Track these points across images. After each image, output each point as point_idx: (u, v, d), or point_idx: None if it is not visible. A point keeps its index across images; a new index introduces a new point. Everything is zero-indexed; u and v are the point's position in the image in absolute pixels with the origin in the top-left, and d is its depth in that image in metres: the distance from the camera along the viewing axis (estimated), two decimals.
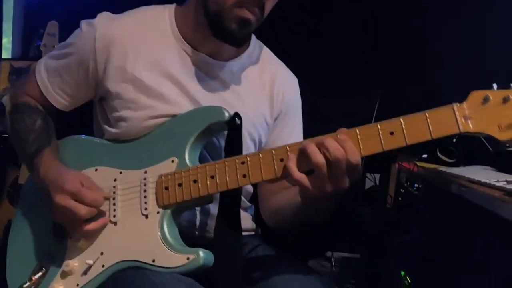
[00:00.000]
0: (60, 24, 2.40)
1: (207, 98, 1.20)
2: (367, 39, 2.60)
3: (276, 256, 1.24)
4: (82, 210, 1.07)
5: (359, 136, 0.96)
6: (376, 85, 2.31)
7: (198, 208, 1.19)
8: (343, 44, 2.62)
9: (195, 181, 1.07)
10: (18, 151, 1.24)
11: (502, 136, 0.88)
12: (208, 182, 1.06)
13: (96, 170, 1.18)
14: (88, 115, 1.34)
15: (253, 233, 1.32)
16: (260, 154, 1.03)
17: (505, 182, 1.33)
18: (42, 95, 1.25)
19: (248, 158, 1.04)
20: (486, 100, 0.91)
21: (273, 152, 1.02)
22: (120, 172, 1.15)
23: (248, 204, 1.33)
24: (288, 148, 1.01)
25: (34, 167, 1.17)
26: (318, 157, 0.93)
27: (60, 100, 1.25)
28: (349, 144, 0.93)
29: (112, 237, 1.11)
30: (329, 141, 0.93)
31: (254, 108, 1.26)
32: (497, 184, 1.29)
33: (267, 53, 1.34)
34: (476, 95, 0.92)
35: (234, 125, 1.12)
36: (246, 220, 1.30)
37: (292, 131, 1.33)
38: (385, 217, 2.10)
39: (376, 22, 2.63)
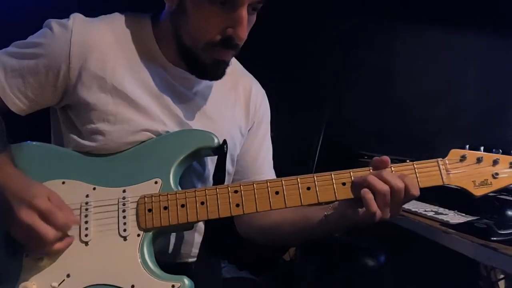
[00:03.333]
0: None
1: (189, 113, 1.18)
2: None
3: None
4: (50, 233, 0.96)
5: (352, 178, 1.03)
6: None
7: (173, 234, 1.16)
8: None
9: (182, 205, 1.04)
10: None
11: (476, 192, 1.02)
12: (197, 209, 1.04)
13: (63, 183, 1.08)
14: (39, 119, 1.22)
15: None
16: (254, 185, 1.05)
17: (434, 213, 1.53)
18: None
19: (241, 187, 1.05)
20: (463, 158, 1.04)
21: (268, 184, 1.05)
22: (94, 188, 1.07)
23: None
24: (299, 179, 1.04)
25: None
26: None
27: (18, 103, 1.12)
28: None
29: (81, 258, 1.02)
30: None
31: (231, 121, 1.26)
32: (429, 214, 1.49)
33: (237, 65, 1.34)
34: (455, 153, 1.05)
35: (221, 151, 1.12)
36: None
37: (263, 141, 1.35)
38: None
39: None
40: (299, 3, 2.63)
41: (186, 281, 1.01)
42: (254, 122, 1.34)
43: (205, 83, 1.22)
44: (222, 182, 1.14)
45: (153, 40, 1.16)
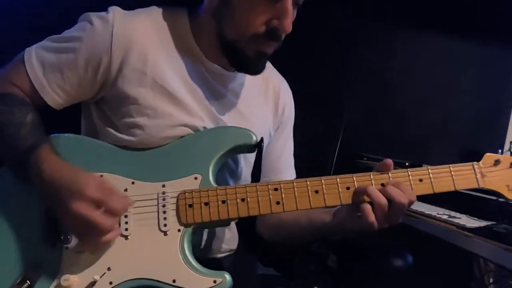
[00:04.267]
0: None
1: (222, 110, 1.20)
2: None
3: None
4: (107, 222, 0.96)
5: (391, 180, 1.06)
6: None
7: (205, 230, 1.17)
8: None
9: (223, 201, 1.05)
10: (2, 147, 1.06)
11: (510, 195, 1.06)
12: (238, 205, 1.05)
13: (101, 176, 1.07)
14: (66, 112, 1.21)
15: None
16: (294, 183, 1.06)
17: (447, 216, 1.57)
18: (34, 91, 1.10)
19: (281, 185, 1.06)
20: (497, 162, 1.07)
21: (308, 183, 1.06)
22: (133, 182, 1.07)
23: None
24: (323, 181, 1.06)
25: (29, 165, 1.01)
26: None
27: (56, 98, 1.11)
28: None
29: (122, 252, 1.03)
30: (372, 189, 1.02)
31: (261, 120, 1.27)
32: (443, 217, 1.52)
33: (268, 64, 1.33)
34: (489, 157, 1.08)
35: (258, 148, 1.13)
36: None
37: (285, 142, 1.37)
38: None
39: None
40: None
41: (227, 276, 1.02)
42: (280, 122, 1.35)
43: (238, 80, 1.23)
44: (259, 179, 1.15)
45: (190, 35, 1.16)
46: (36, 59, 1.10)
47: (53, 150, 1.03)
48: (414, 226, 1.60)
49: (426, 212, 1.62)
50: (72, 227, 1.00)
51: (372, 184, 1.04)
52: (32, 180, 1.02)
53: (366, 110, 2.76)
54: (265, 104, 1.31)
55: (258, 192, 1.06)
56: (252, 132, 1.12)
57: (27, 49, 1.12)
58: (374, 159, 2.25)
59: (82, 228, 0.97)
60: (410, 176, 1.06)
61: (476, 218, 1.62)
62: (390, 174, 1.06)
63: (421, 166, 2.15)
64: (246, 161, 1.23)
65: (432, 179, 1.05)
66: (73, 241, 1.03)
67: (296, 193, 1.05)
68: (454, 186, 1.05)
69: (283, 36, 1.11)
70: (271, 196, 1.05)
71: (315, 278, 1.47)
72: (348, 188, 1.05)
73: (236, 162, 1.22)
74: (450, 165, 1.06)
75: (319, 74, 2.69)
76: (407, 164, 2.17)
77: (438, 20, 2.66)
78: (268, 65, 1.33)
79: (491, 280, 2.35)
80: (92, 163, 1.08)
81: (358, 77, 2.75)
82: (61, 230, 1.04)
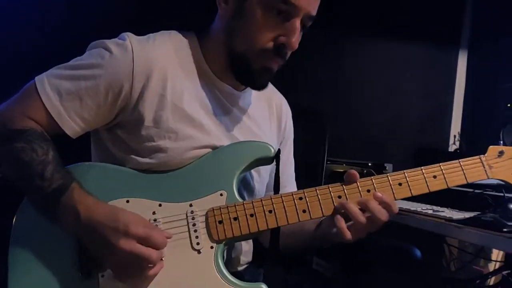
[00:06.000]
0: None
1: (235, 128, 1.23)
2: None
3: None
4: (154, 255, 0.98)
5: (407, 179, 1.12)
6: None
7: None
8: None
9: (251, 215, 1.09)
10: (26, 185, 1.05)
11: None
12: (266, 217, 1.09)
13: (127, 201, 1.09)
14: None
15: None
16: (317, 191, 1.11)
17: (432, 211, 1.64)
18: (51, 121, 1.08)
19: (305, 194, 1.10)
20: (501, 153, 1.15)
21: (330, 189, 1.11)
22: (160, 205, 1.09)
23: None
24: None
25: (59, 206, 1.01)
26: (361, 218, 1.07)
27: (74, 126, 1.10)
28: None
29: (159, 275, 1.04)
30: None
31: (269, 136, 1.32)
32: (428, 211, 1.59)
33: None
34: (493, 149, 1.16)
35: (277, 160, 1.17)
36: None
37: (288, 156, 1.43)
38: None
39: None
40: None
41: (264, 286, 1.05)
42: (283, 137, 1.41)
43: (246, 100, 1.28)
44: (279, 190, 1.19)
45: (201, 56, 1.19)
46: (51, 88, 1.08)
47: (83, 189, 1.04)
48: (403, 222, 1.67)
49: (412, 209, 1.69)
50: (116, 263, 1.00)
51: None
52: (62, 219, 1.02)
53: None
54: (270, 120, 1.36)
55: (284, 202, 1.10)
56: (270, 144, 1.16)
57: (37, 78, 1.10)
58: (336, 162, 2.30)
59: (131, 264, 0.99)
60: (424, 174, 1.12)
61: (457, 210, 1.70)
62: (406, 173, 1.11)
63: (382, 165, 2.27)
64: (258, 174, 1.27)
65: (445, 175, 1.12)
66: (108, 270, 1.04)
67: (320, 200, 1.10)
68: (466, 179, 1.12)
69: (288, 54, 1.15)
70: (297, 206, 1.09)
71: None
72: (368, 191, 1.11)
73: (250, 176, 1.25)
74: (459, 160, 1.13)
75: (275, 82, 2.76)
76: (369, 164, 2.27)
77: (382, 26, 2.79)
78: (269, 84, 1.38)
79: (456, 266, 2.50)
80: (116, 190, 1.10)
81: (313, 84, 2.83)
82: (94, 259, 1.04)
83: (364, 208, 1.08)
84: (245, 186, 1.25)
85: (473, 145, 2.91)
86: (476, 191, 1.74)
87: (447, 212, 1.64)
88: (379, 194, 1.08)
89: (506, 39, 2.75)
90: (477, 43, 3.03)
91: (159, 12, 2.26)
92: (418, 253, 1.53)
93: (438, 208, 1.75)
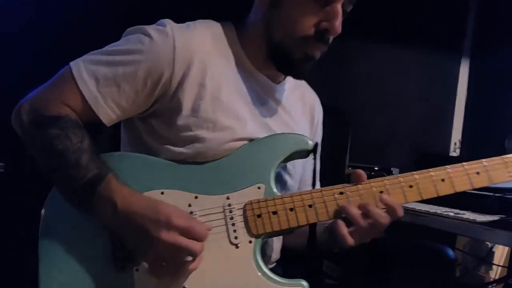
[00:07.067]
0: None
1: (273, 121, 1.20)
2: None
3: None
4: (197, 246, 0.94)
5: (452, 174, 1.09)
6: None
7: None
8: None
9: (291, 209, 1.05)
10: (59, 174, 1.00)
11: None
12: (306, 211, 1.05)
13: (162, 193, 1.04)
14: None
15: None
16: (359, 186, 1.07)
17: (453, 213, 1.62)
18: (87, 108, 1.04)
19: (346, 189, 1.07)
20: None
21: (372, 184, 1.07)
22: (196, 197, 1.05)
23: None
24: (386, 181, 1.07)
25: (95, 197, 0.97)
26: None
27: (110, 113, 1.05)
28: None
29: (196, 269, 0.99)
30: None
31: (304, 131, 1.27)
32: (450, 214, 1.57)
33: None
34: None
35: (315, 153, 1.13)
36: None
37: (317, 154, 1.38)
38: None
39: None
40: None
41: (305, 283, 1.02)
42: (314, 135, 1.37)
43: (282, 92, 1.24)
44: (315, 185, 1.15)
45: (239, 46, 1.16)
46: (88, 74, 1.04)
47: (120, 179, 0.99)
48: (426, 224, 1.64)
49: (431, 211, 1.66)
50: (155, 257, 0.95)
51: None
52: (97, 210, 0.98)
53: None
54: (303, 116, 1.33)
55: (324, 197, 1.06)
56: (308, 137, 1.12)
57: (72, 63, 1.06)
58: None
59: (168, 257, 0.95)
60: (468, 170, 1.09)
61: (478, 213, 1.68)
62: (449, 169, 1.09)
63: (389, 169, 2.25)
64: (295, 169, 1.23)
65: (488, 171, 1.09)
66: (143, 263, 0.99)
67: (362, 196, 1.06)
68: (509, 176, 1.10)
69: (331, 39, 1.12)
70: (338, 201, 1.06)
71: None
72: (411, 187, 1.07)
73: (282, 171, 1.21)
74: (482, 160, 1.09)
75: None
76: (376, 168, 2.25)
77: (386, 31, 2.79)
78: (303, 81, 1.35)
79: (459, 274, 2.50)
80: (150, 181, 1.05)
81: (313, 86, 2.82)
82: (129, 253, 1.00)
83: (363, 211, 1.03)
84: (278, 179, 1.21)
85: (474, 152, 2.92)
86: (496, 194, 1.72)
87: (469, 215, 1.62)
88: (385, 196, 1.04)
89: (509, 47, 2.77)
90: (480, 50, 3.05)
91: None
92: (451, 252, 1.50)
93: (458, 211, 1.73)
